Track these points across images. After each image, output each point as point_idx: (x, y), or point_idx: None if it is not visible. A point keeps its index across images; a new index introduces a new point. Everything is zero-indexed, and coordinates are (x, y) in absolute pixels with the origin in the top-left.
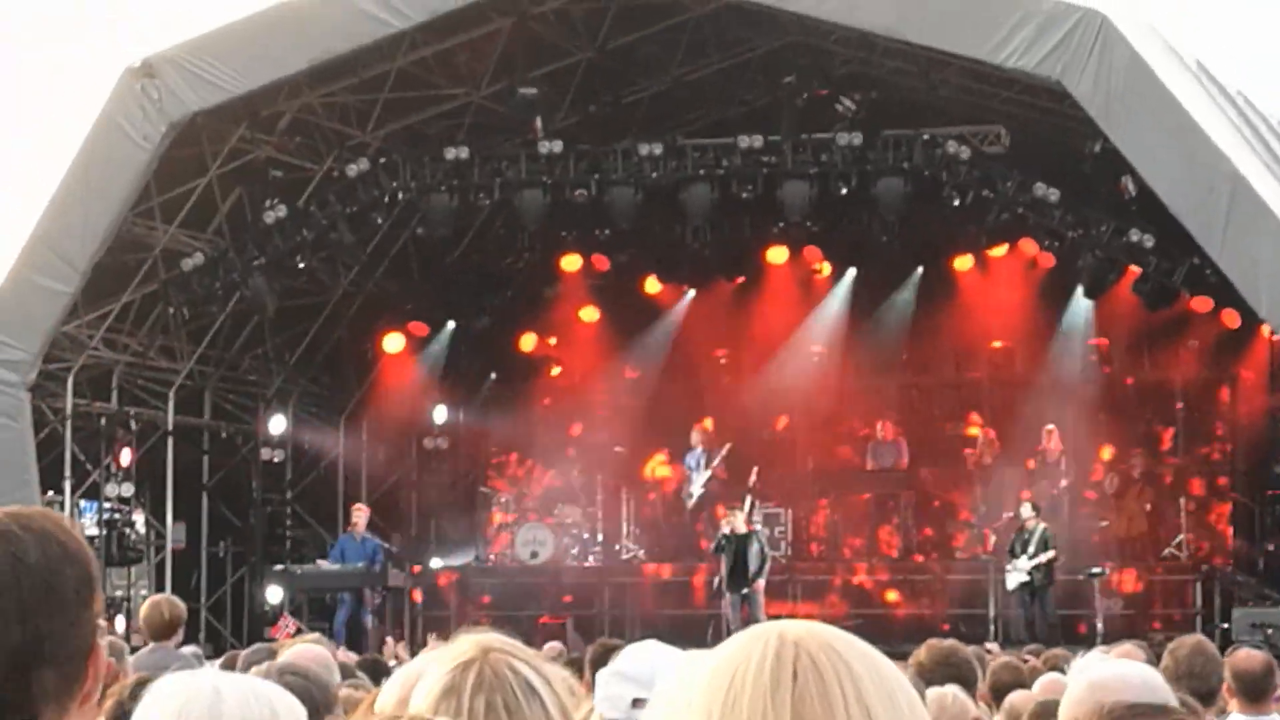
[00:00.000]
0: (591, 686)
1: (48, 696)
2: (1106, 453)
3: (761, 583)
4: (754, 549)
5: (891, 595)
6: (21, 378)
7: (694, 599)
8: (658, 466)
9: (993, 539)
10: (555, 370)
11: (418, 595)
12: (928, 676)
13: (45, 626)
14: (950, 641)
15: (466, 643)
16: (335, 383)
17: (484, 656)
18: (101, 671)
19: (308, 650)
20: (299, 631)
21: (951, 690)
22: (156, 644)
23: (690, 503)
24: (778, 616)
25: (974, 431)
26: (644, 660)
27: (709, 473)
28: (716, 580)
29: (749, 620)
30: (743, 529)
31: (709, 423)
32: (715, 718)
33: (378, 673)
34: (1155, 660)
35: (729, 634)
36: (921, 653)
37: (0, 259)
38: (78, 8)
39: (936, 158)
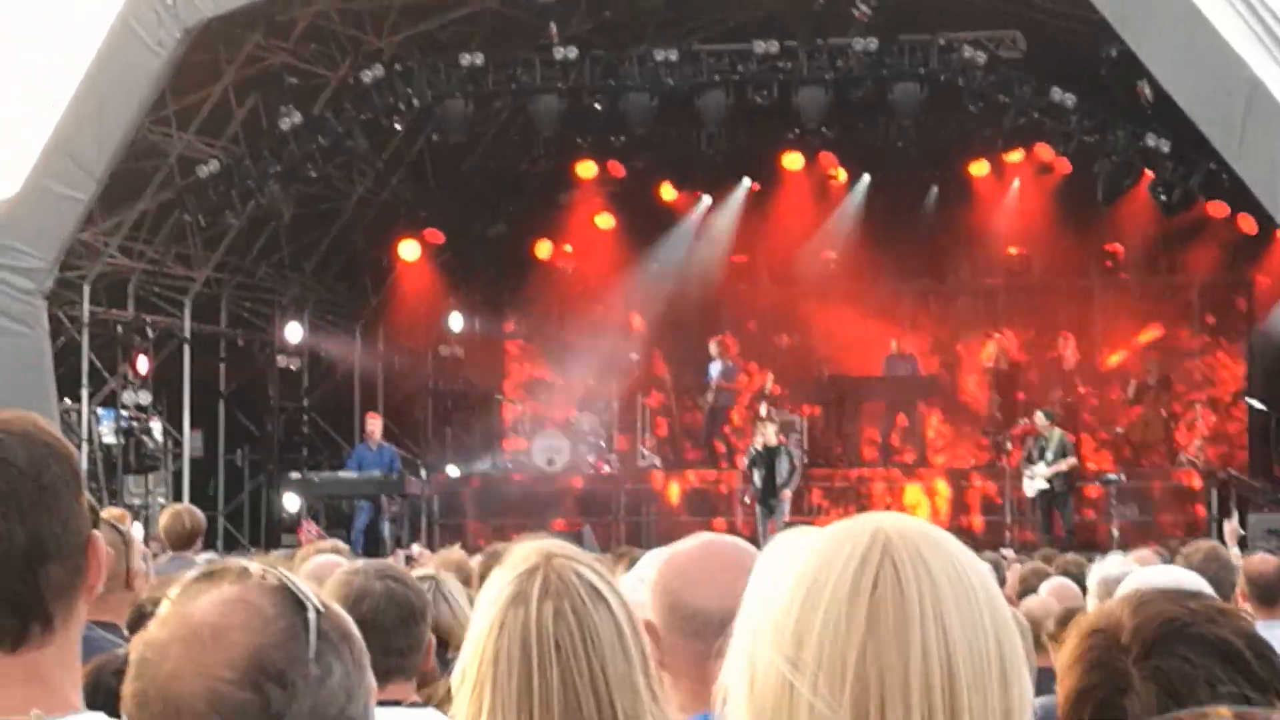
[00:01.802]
0: None
1: (56, 592)
2: (1121, 358)
3: (788, 493)
4: (783, 462)
5: (907, 502)
6: (38, 285)
7: (710, 507)
8: (674, 374)
9: (1008, 446)
10: (570, 276)
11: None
12: None
13: (44, 524)
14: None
15: (529, 549)
16: (351, 290)
17: (547, 562)
18: (102, 561)
19: (329, 561)
20: (320, 537)
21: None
22: (176, 553)
23: (706, 411)
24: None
25: (990, 338)
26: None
27: (724, 384)
28: (747, 495)
29: (775, 533)
30: (774, 441)
31: (723, 336)
32: (795, 613)
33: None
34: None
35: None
36: None
37: (16, 166)
38: None
39: (953, 63)
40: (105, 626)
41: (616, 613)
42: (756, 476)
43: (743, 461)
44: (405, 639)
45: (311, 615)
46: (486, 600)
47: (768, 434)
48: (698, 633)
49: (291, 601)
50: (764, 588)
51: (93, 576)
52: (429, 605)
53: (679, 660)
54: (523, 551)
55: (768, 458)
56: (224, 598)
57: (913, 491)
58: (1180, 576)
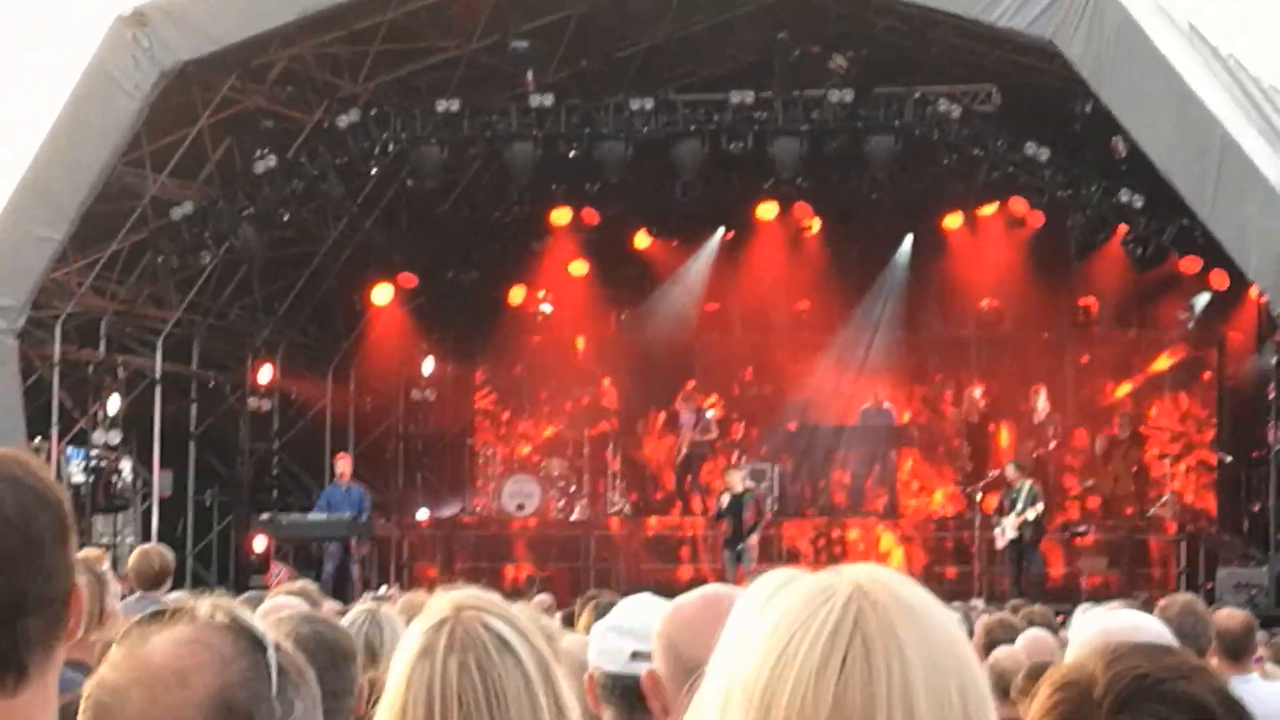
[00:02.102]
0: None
1: (33, 644)
2: (1092, 413)
3: (755, 539)
4: (749, 507)
5: (879, 552)
6: (10, 324)
7: (678, 554)
8: (645, 422)
9: (978, 497)
10: (543, 324)
11: (403, 546)
12: None
13: (26, 578)
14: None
15: (442, 601)
16: (324, 333)
17: (456, 615)
18: (82, 610)
19: (284, 604)
20: (291, 578)
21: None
22: (145, 593)
23: (679, 459)
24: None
25: (965, 387)
26: (641, 614)
27: (697, 433)
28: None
29: (743, 579)
30: (739, 488)
31: (691, 385)
32: (765, 678)
33: None
34: None
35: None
36: None
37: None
38: None
39: (927, 116)
40: (74, 666)
41: (526, 664)
42: (728, 525)
43: (714, 505)
44: (336, 682)
45: (271, 654)
46: (399, 653)
47: (733, 481)
48: (690, 677)
49: (248, 640)
50: (738, 638)
51: (73, 625)
52: (357, 651)
53: (681, 712)
54: (437, 603)
55: (734, 505)
56: (179, 639)
57: (884, 540)
58: (1141, 623)
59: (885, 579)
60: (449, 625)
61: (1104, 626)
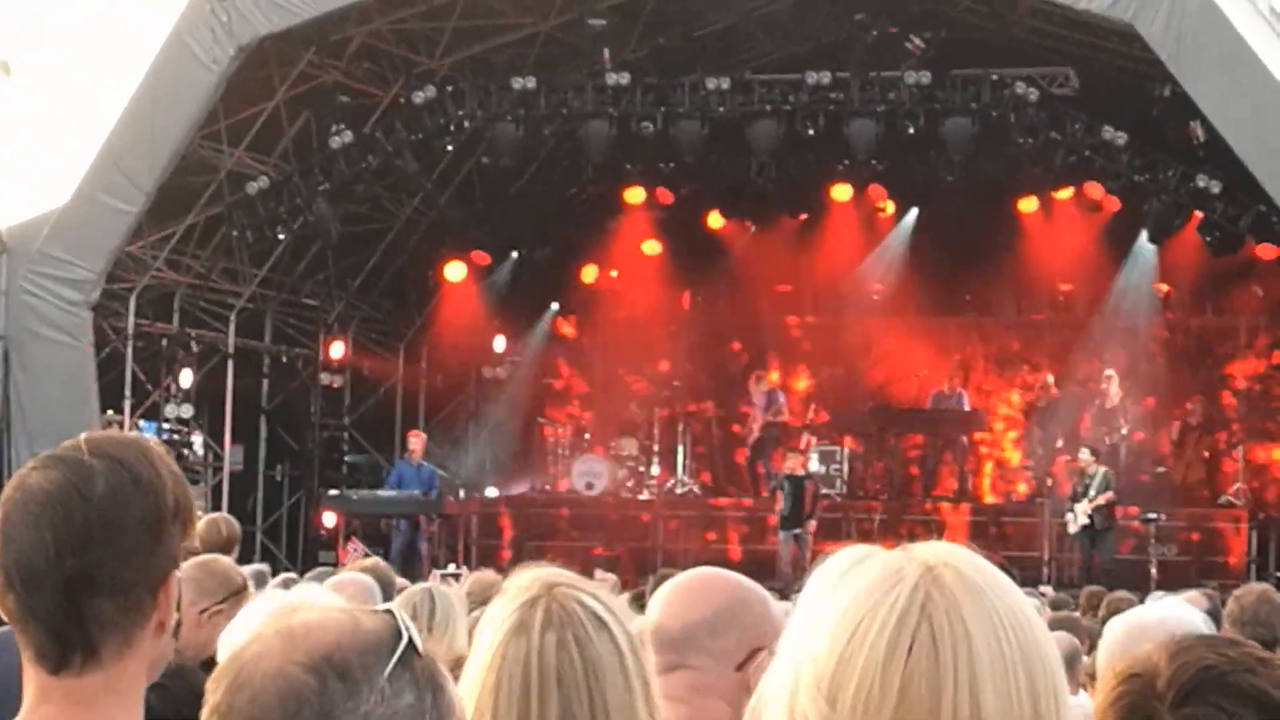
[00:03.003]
0: None
1: (107, 627)
2: (1167, 399)
3: (813, 524)
4: (810, 491)
5: (948, 536)
6: (85, 296)
7: (748, 536)
8: (717, 403)
9: (1049, 482)
10: (616, 302)
11: (473, 524)
12: None
13: (100, 558)
14: None
15: (529, 578)
16: (396, 309)
17: (549, 592)
18: (173, 603)
19: (352, 579)
20: (366, 556)
21: None
22: None
23: (751, 440)
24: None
25: (1035, 374)
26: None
27: (769, 415)
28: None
29: (797, 560)
30: (801, 470)
31: (775, 375)
32: (833, 665)
33: None
34: (1219, 608)
35: (785, 572)
36: None
37: (66, 177)
38: None
39: (1005, 99)
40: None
41: (619, 641)
42: (780, 502)
43: (771, 485)
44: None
45: (404, 643)
46: (487, 630)
47: (794, 462)
48: (658, 646)
49: (391, 626)
50: (809, 619)
51: (162, 614)
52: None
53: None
54: (523, 581)
55: (794, 485)
56: (331, 607)
57: (954, 524)
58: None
59: (956, 560)
60: (543, 602)
61: (1129, 623)
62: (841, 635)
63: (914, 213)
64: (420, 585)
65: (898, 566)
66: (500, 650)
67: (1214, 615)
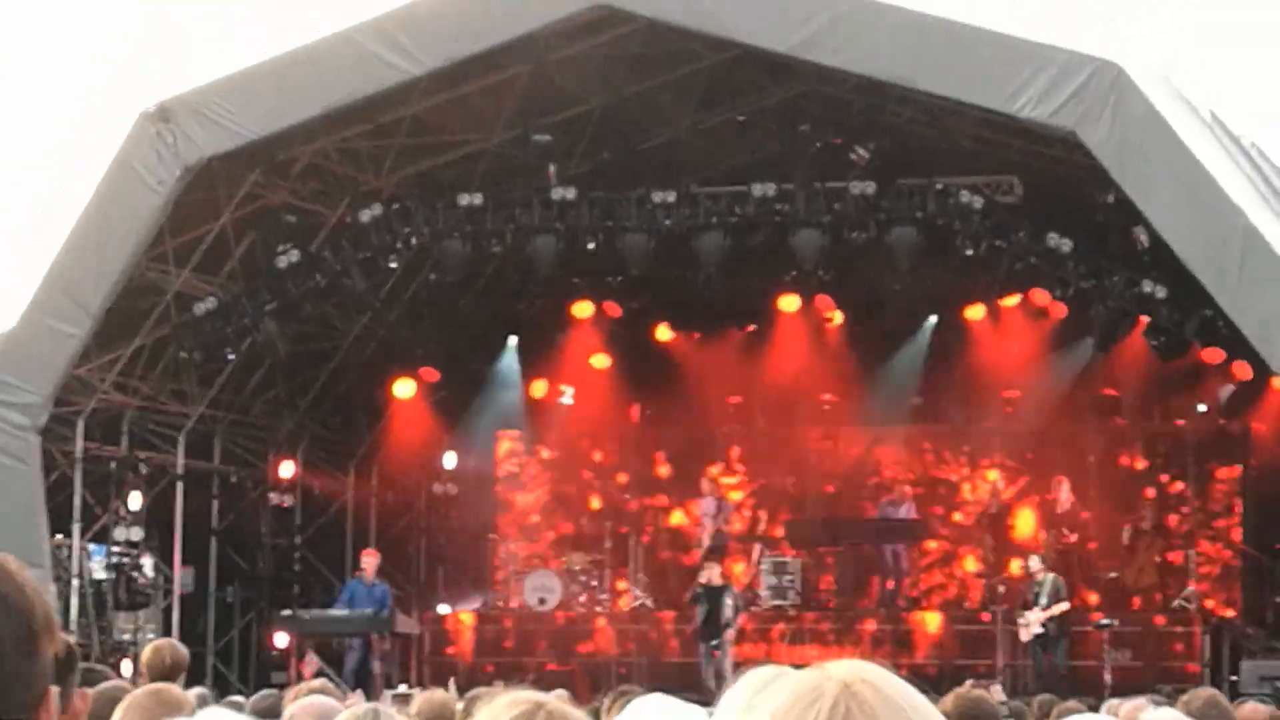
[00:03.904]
0: None
1: None
2: (1115, 504)
3: (731, 633)
4: (728, 601)
5: (900, 645)
6: (32, 420)
7: (701, 648)
8: (667, 515)
9: (1001, 589)
10: (565, 417)
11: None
12: None
13: None
14: (977, 692)
15: (519, 698)
16: (346, 428)
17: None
18: (52, 716)
19: (313, 703)
20: (321, 672)
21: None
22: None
23: (701, 551)
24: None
25: (987, 479)
26: (654, 717)
27: (719, 524)
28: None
29: (718, 668)
30: (718, 581)
31: (715, 471)
32: None
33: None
34: None
35: (706, 683)
36: (948, 702)
37: (12, 301)
38: (94, 55)
39: (950, 207)
40: None
41: None
42: (700, 614)
43: (685, 597)
44: None
45: None
46: None
47: (711, 573)
48: None
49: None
50: None
51: None
52: None
53: None
54: (511, 699)
55: (710, 597)
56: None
57: (905, 633)
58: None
59: (872, 677)
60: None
61: None
62: None
63: (861, 322)
64: (367, 705)
65: (815, 684)
66: None
67: None
